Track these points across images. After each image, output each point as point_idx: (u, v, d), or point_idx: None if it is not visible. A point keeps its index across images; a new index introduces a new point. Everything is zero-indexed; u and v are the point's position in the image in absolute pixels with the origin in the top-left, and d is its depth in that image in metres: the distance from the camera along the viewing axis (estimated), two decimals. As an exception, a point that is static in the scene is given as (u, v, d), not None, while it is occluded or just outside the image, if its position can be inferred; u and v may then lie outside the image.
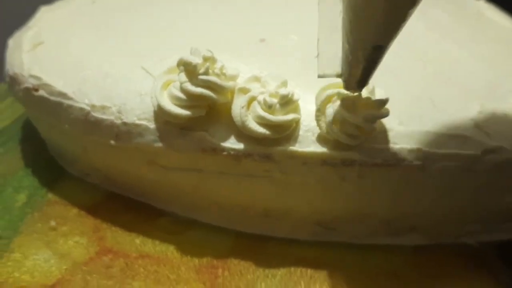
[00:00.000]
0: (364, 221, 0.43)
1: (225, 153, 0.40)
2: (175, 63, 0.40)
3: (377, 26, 0.29)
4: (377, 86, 0.40)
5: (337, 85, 0.39)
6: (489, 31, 0.54)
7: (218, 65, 0.39)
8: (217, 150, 0.40)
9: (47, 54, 0.47)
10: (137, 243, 0.44)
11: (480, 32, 0.53)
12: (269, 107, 0.38)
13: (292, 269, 0.43)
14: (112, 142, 0.42)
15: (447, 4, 0.57)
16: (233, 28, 0.48)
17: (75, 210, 0.48)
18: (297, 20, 0.48)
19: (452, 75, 0.44)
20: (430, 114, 0.41)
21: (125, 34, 0.48)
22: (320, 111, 0.39)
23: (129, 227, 0.46)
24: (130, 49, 0.46)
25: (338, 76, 0.36)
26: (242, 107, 0.38)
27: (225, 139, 0.40)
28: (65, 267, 0.42)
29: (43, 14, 0.55)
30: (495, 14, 0.58)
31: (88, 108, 0.42)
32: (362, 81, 0.35)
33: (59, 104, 0.44)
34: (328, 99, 0.39)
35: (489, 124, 0.41)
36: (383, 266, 0.43)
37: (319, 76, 0.36)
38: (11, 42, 0.52)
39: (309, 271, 0.42)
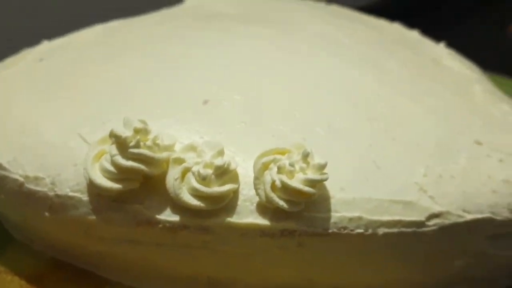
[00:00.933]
0: (311, 288, 0.42)
1: (160, 225, 0.38)
2: (108, 132, 0.39)
3: None
4: (320, 148, 0.39)
5: (273, 152, 0.38)
6: (446, 80, 0.53)
7: (151, 136, 0.38)
8: (152, 223, 0.38)
9: (-15, 120, 0.46)
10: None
11: (435, 83, 0.52)
12: (203, 179, 0.37)
13: None
14: (46, 214, 0.41)
15: (403, 51, 0.56)
16: (178, 88, 0.47)
17: (19, 280, 0.46)
18: (241, 78, 0.47)
19: (400, 134, 0.43)
20: (373, 178, 0.40)
21: (70, 95, 0.47)
22: (258, 179, 0.38)
23: (73, 298, 0.44)
24: (72, 112, 0.45)
25: None
26: (176, 179, 0.37)
27: (161, 211, 0.38)
28: None
29: (-10, 73, 0.53)
30: (454, 61, 0.58)
31: (21, 179, 0.41)
32: None
33: (-6, 174, 0.42)
34: (265, 166, 0.38)
35: (434, 188, 0.39)
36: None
37: None
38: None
39: None
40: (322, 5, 0.72)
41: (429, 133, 0.44)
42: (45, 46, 0.59)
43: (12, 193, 0.42)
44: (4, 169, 0.42)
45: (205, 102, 0.45)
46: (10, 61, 0.57)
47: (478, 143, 0.44)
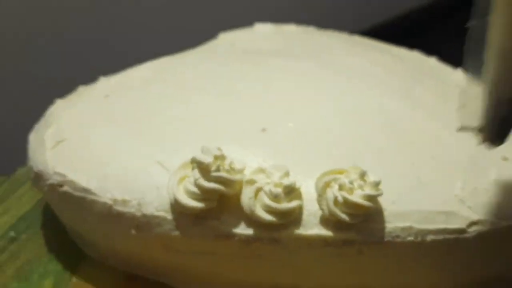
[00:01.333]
0: (366, 292, 0.47)
1: (236, 238, 0.44)
2: (187, 158, 0.45)
3: None
4: (370, 168, 0.45)
5: (332, 172, 0.44)
6: (469, 105, 0.59)
7: (227, 162, 0.44)
8: (229, 236, 0.44)
9: (69, 152, 0.52)
10: (159, 324, 0.48)
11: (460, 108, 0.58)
12: (274, 197, 0.43)
13: None
14: (133, 231, 0.47)
15: (428, 81, 0.63)
16: (236, 119, 0.53)
17: (97, 292, 0.51)
18: (291, 108, 0.54)
19: (437, 153, 0.49)
20: (419, 192, 0.45)
21: (140, 127, 0.54)
22: (321, 195, 0.44)
23: (149, 307, 0.49)
24: (145, 142, 0.51)
25: (479, 129, 0.39)
26: (250, 198, 0.43)
27: (236, 225, 0.44)
28: None
29: (60, 110, 0.60)
30: (473, 84, 0.64)
31: (110, 202, 0.47)
32: (501, 136, 0.37)
33: (83, 199, 0.48)
34: (326, 184, 0.44)
35: (471, 199, 0.45)
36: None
37: (461, 129, 0.41)
38: (32, 138, 0.57)
39: None
40: (346, 35, 0.79)
41: (462, 151, 0.50)
42: (104, 83, 0.65)
43: (100, 215, 0.48)
44: (93, 194, 0.48)
45: (263, 130, 0.51)
46: (72, 98, 0.63)
47: (505, 158, 0.50)
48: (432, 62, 0.72)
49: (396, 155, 0.49)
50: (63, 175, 0.50)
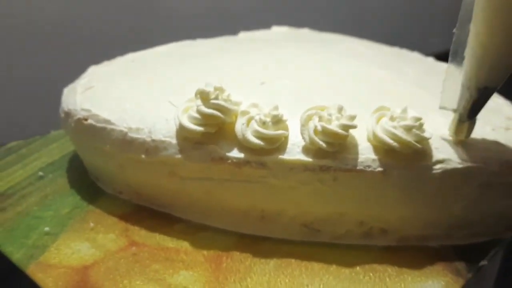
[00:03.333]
0: (341, 222, 0.53)
1: (229, 161, 0.51)
2: (193, 96, 0.53)
3: (489, 69, 0.47)
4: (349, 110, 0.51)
5: (315, 108, 0.51)
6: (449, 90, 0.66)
7: (225, 94, 0.51)
8: (223, 159, 0.51)
9: (96, 94, 0.61)
10: (158, 239, 0.54)
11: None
12: (263, 124, 0.50)
13: (283, 259, 0.52)
14: (143, 156, 0.54)
15: (418, 64, 0.70)
16: (241, 75, 0.61)
17: (109, 217, 0.58)
18: (289, 70, 0.62)
19: (410, 103, 0.56)
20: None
21: (157, 79, 0.62)
22: (304, 126, 0.51)
23: (152, 229, 0.56)
24: (160, 89, 0.60)
25: (454, 111, 0.53)
26: (243, 124, 0.50)
27: (230, 150, 0.51)
28: (100, 254, 0.52)
29: (93, 69, 0.69)
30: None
31: (126, 130, 0.55)
32: (472, 114, 0.51)
33: (104, 129, 0.56)
34: (309, 117, 0.51)
35: (439, 142, 0.52)
36: (359, 262, 0.52)
37: (440, 108, 0.53)
38: (66, 90, 0.66)
39: (297, 261, 0.52)
40: (356, 38, 0.88)
41: (433, 105, 0.56)
42: (132, 55, 0.75)
43: (117, 142, 0.56)
44: (112, 124, 0.56)
45: (262, 83, 0.59)
46: (104, 63, 0.73)
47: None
48: (429, 59, 0.79)
49: (371, 104, 0.55)
50: (89, 110, 0.58)
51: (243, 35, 0.89)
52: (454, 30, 0.51)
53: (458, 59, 0.51)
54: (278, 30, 0.90)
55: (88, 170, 0.66)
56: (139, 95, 0.59)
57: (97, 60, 0.73)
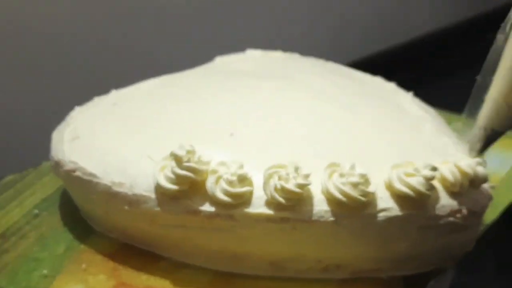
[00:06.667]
0: (302, 261, 0.61)
1: (202, 214, 0.58)
2: (168, 152, 0.60)
3: (497, 113, 0.57)
4: (308, 163, 0.59)
5: (275, 166, 0.58)
6: (404, 121, 0.73)
7: (196, 156, 0.59)
8: (197, 212, 0.59)
9: (81, 145, 0.68)
10: (144, 278, 0.62)
11: (395, 122, 0.72)
12: (230, 183, 0.57)
13: (253, 294, 0.61)
14: (126, 207, 0.61)
15: (376, 99, 0.77)
16: (212, 124, 0.68)
17: (99, 256, 0.66)
18: (257, 118, 0.69)
19: (363, 154, 0.63)
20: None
21: (136, 128, 0.69)
22: (266, 183, 0.58)
23: (138, 268, 0.64)
24: (139, 140, 0.66)
25: (475, 153, 0.62)
26: (212, 183, 0.58)
27: (202, 204, 0.58)
28: (92, 295, 0.60)
29: (77, 114, 0.76)
30: (413, 105, 0.78)
31: (110, 184, 0.62)
32: (480, 151, 0.61)
33: (90, 182, 0.63)
34: (270, 176, 0.58)
35: (383, 191, 0.59)
36: (318, 294, 0.61)
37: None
38: (54, 135, 0.73)
39: (266, 296, 0.60)
40: (322, 62, 0.94)
41: (386, 157, 0.64)
42: (114, 94, 0.81)
43: (102, 194, 0.63)
44: (98, 178, 0.63)
45: (231, 134, 0.66)
46: (88, 105, 0.79)
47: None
48: (390, 86, 0.86)
49: (333, 153, 0.62)
50: (76, 163, 0.65)
51: (219, 60, 0.95)
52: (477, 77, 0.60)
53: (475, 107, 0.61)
54: (252, 55, 0.96)
55: (79, 209, 0.73)
56: (121, 146, 0.66)
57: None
